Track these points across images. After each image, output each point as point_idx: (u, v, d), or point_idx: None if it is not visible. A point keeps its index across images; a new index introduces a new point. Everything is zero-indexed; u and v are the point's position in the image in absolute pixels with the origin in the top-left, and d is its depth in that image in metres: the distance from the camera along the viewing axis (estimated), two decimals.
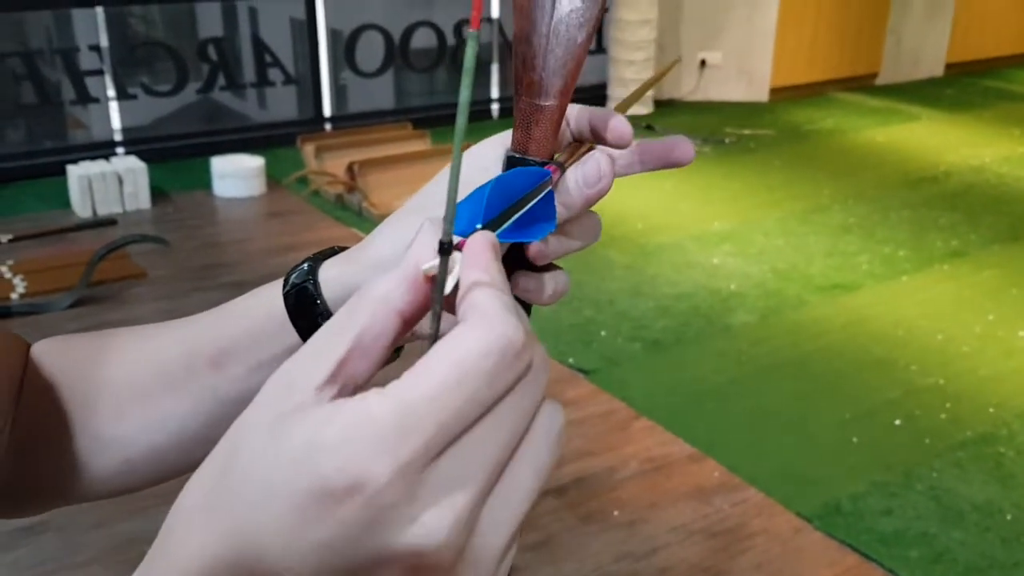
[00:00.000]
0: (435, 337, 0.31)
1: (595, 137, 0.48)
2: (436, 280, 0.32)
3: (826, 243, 3.70)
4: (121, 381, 0.55)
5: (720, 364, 2.76)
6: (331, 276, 0.52)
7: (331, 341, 0.31)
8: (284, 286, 0.53)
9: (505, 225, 0.39)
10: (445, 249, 0.32)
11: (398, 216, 0.51)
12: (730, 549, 1.98)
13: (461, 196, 0.42)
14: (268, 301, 0.53)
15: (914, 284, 3.33)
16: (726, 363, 2.77)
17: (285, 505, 0.28)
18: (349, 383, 0.31)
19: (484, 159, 0.48)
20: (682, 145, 0.49)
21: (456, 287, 0.32)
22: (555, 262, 0.48)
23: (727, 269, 3.43)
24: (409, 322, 0.32)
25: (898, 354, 2.80)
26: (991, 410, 2.51)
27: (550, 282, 0.47)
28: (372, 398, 0.29)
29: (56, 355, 0.57)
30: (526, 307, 0.48)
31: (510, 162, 0.46)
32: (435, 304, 0.32)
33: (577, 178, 0.46)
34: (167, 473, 0.57)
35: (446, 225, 0.32)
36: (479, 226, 0.37)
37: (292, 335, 0.52)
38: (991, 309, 3.11)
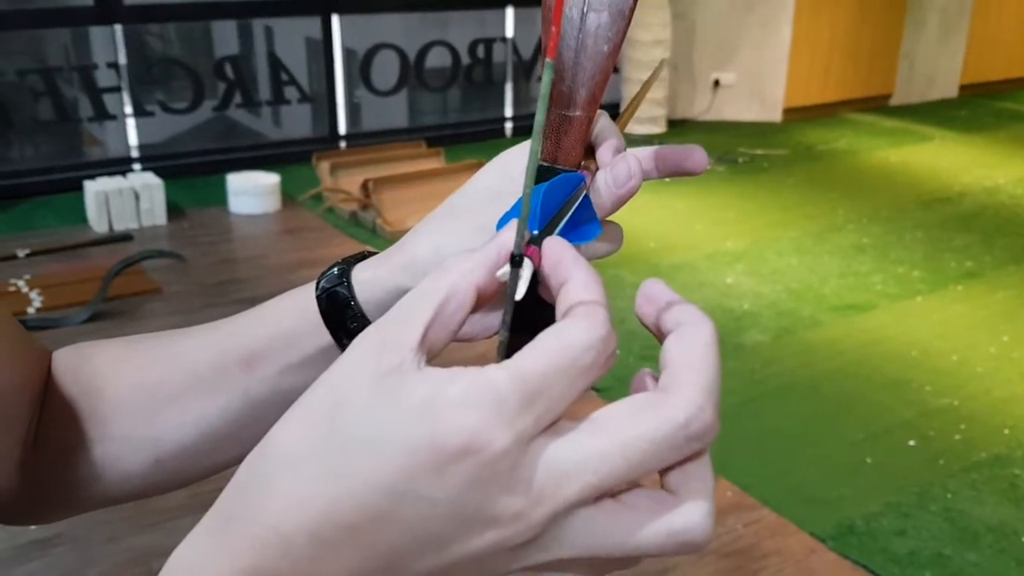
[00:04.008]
0: (506, 345, 0.32)
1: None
2: (508, 289, 0.33)
3: (840, 263, 3.69)
4: (153, 383, 0.56)
5: (733, 384, 2.75)
6: (365, 279, 0.53)
7: (418, 307, 0.32)
8: (315, 289, 0.54)
9: (556, 231, 0.41)
10: (516, 261, 0.33)
11: (431, 220, 0.52)
12: (743, 569, 1.97)
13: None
14: (300, 304, 0.54)
15: (928, 305, 3.32)
16: (739, 383, 2.76)
17: (397, 456, 0.29)
18: (431, 350, 0.31)
19: (512, 168, 0.50)
20: (696, 154, 0.50)
21: (529, 296, 0.33)
22: None
23: (740, 289, 3.42)
24: (482, 302, 0.33)
25: (912, 375, 2.79)
26: (1006, 431, 2.50)
27: None
28: (490, 368, 0.29)
29: (84, 361, 0.58)
30: (553, 312, 0.49)
31: (539, 171, 0.47)
32: (506, 313, 0.33)
33: (607, 179, 0.47)
34: (195, 472, 0.58)
35: (517, 238, 0.33)
36: (535, 232, 0.38)
37: (324, 337, 0.53)
38: (1006, 330, 3.09)
